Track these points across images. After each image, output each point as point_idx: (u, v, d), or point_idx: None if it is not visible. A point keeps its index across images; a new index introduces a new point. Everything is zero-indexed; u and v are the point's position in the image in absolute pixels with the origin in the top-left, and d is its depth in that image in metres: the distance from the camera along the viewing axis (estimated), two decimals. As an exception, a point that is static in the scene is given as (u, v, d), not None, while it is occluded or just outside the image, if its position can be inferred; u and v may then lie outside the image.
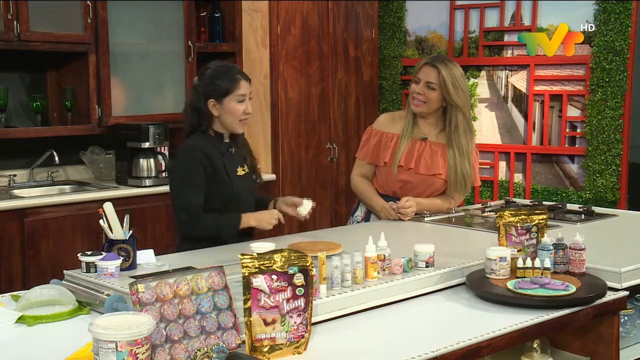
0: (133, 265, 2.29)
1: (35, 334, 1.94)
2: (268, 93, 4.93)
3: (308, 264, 1.80)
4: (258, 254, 1.77)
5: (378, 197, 3.29)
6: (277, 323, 1.76)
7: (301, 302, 1.79)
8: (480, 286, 2.22)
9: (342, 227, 3.78)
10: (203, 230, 2.76)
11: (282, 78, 4.95)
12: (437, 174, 3.24)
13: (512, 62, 5.16)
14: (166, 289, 1.68)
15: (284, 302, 1.76)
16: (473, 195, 5.24)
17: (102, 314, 1.89)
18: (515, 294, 2.14)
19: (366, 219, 3.36)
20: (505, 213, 2.41)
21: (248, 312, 1.73)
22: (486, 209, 3.34)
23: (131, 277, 1.86)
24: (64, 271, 2.29)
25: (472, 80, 5.30)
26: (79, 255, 2.27)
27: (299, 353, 1.78)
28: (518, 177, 5.18)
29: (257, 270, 1.74)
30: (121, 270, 2.21)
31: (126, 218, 2.35)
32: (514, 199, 3.85)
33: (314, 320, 1.88)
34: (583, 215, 3.25)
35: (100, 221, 2.33)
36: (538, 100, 5.07)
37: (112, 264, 2.18)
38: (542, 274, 2.24)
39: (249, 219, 2.78)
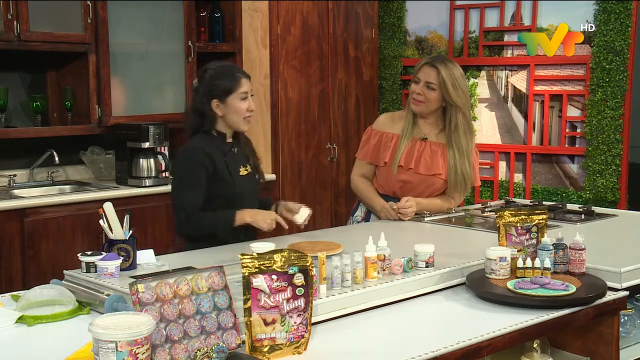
0: (133, 265, 2.29)
1: (35, 334, 1.94)
2: (268, 93, 4.93)
3: (308, 264, 1.80)
4: (258, 254, 1.77)
5: (378, 197, 3.29)
6: (277, 323, 1.76)
7: (301, 302, 1.79)
8: (480, 286, 2.22)
9: (342, 227, 3.78)
10: (199, 228, 2.77)
11: (282, 78, 4.95)
12: (437, 174, 3.24)
13: (512, 62, 5.17)
14: (166, 289, 1.68)
15: (284, 302, 1.76)
16: (473, 195, 5.24)
17: (102, 314, 1.89)
18: (515, 294, 2.14)
19: (366, 219, 3.36)
20: (505, 213, 2.41)
21: (248, 312, 1.73)
22: (486, 209, 3.34)
23: (131, 277, 1.85)
24: (64, 271, 2.30)
25: (472, 80, 5.30)
26: (79, 255, 2.27)
27: (299, 353, 1.79)
28: (518, 177, 5.18)
29: (257, 270, 1.74)
30: (121, 270, 2.21)
31: (126, 218, 2.35)
32: (514, 199, 3.85)
33: (314, 320, 1.88)
34: (583, 215, 3.25)
35: (100, 221, 2.33)
36: (538, 100, 5.07)
37: (112, 264, 2.18)
38: (542, 274, 2.24)
39: (244, 216, 2.77)
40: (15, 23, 3.93)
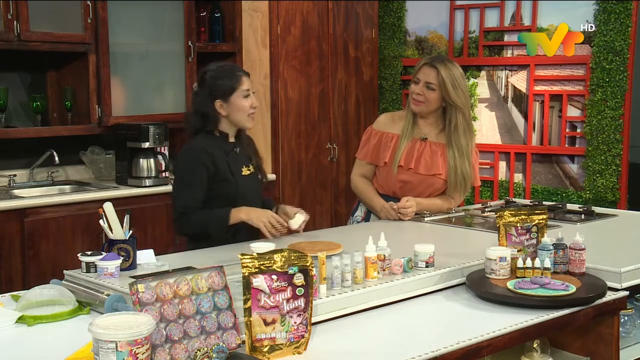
0: (133, 265, 2.29)
1: (35, 334, 1.94)
2: (268, 93, 4.93)
3: (308, 264, 1.80)
4: (258, 254, 1.77)
5: (378, 197, 3.29)
6: (277, 323, 1.76)
7: (301, 302, 1.79)
8: (480, 286, 2.22)
9: (342, 227, 3.78)
10: (193, 226, 2.77)
11: (282, 78, 4.95)
12: (437, 174, 3.24)
13: (512, 62, 5.17)
14: (166, 289, 1.68)
15: (284, 302, 1.76)
16: (473, 195, 5.24)
17: (102, 314, 1.89)
18: (515, 294, 2.14)
19: (366, 219, 3.36)
20: (505, 213, 2.41)
21: (248, 312, 1.73)
22: (486, 209, 3.34)
23: (131, 277, 1.86)
24: (64, 271, 2.29)
25: (472, 80, 5.30)
26: (79, 255, 2.27)
27: (299, 353, 1.79)
28: (518, 177, 5.18)
29: (257, 270, 1.74)
30: (121, 270, 2.21)
31: (126, 218, 2.35)
32: (514, 199, 3.85)
33: (314, 320, 1.88)
34: (583, 215, 3.25)
35: (100, 221, 2.33)
36: (538, 100, 5.07)
37: (112, 264, 2.18)
38: (542, 274, 2.24)
39: (239, 214, 2.76)
40: (15, 23, 3.93)
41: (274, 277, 1.75)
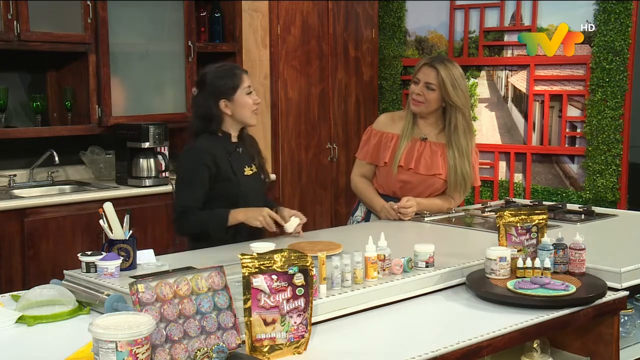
0: (133, 265, 2.29)
1: (35, 334, 1.94)
2: (268, 93, 4.93)
3: (308, 264, 1.80)
4: (258, 254, 1.77)
5: (378, 197, 3.29)
6: (277, 323, 1.76)
7: (301, 302, 1.79)
8: (480, 286, 2.22)
9: (342, 227, 3.78)
10: (191, 226, 2.78)
11: (282, 78, 4.95)
12: (437, 174, 3.24)
13: (512, 62, 5.17)
14: (166, 289, 1.68)
15: (284, 302, 1.76)
16: (473, 195, 5.24)
17: (102, 314, 1.89)
18: (515, 294, 2.14)
19: (366, 219, 3.36)
20: (505, 213, 2.41)
21: (248, 312, 1.73)
22: (486, 209, 3.34)
23: (131, 277, 1.86)
24: (64, 271, 2.30)
25: (472, 80, 5.30)
26: (79, 255, 2.27)
27: (299, 353, 1.79)
28: (518, 177, 5.18)
29: (257, 270, 1.74)
30: (121, 270, 2.21)
31: (126, 218, 2.35)
32: (514, 199, 3.85)
33: (314, 320, 1.88)
34: (583, 215, 3.25)
35: (100, 221, 2.33)
36: (538, 100, 5.07)
37: (112, 264, 2.18)
38: (542, 274, 2.24)
39: (237, 214, 2.76)
40: (15, 23, 3.93)
41: (274, 277, 1.75)
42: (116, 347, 1.49)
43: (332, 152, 5.29)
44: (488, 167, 5.25)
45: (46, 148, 4.33)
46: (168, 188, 4.28)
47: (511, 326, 1.97)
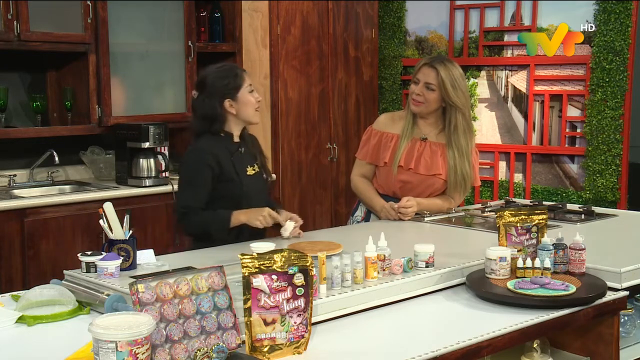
0: (133, 265, 2.29)
1: (35, 334, 1.94)
2: (268, 93, 4.93)
3: (308, 264, 1.80)
4: (258, 254, 1.77)
5: (378, 197, 3.29)
6: (277, 323, 1.76)
7: (301, 302, 1.79)
8: (480, 286, 2.22)
9: (342, 227, 3.78)
10: (194, 227, 2.78)
11: (282, 78, 4.95)
12: (437, 174, 3.24)
13: (512, 62, 5.17)
14: (166, 289, 1.68)
15: (284, 302, 1.76)
16: (473, 195, 5.24)
17: (102, 314, 1.89)
18: (515, 294, 2.14)
19: (366, 219, 3.36)
20: (505, 213, 2.41)
21: (248, 312, 1.73)
22: (486, 209, 3.34)
23: (131, 277, 1.86)
24: (64, 271, 2.30)
25: (472, 80, 5.30)
26: (79, 255, 2.27)
27: (299, 353, 1.79)
28: (518, 177, 5.18)
29: (257, 270, 1.74)
30: (121, 270, 2.21)
31: (126, 218, 2.35)
32: (514, 199, 3.85)
33: (314, 320, 1.88)
34: (583, 215, 3.25)
35: (100, 221, 2.33)
36: (538, 100, 5.07)
37: (112, 264, 2.18)
38: (542, 274, 2.24)
39: (239, 216, 2.77)
40: (15, 23, 3.93)
41: (274, 277, 1.75)
42: (116, 347, 1.49)
43: (332, 152, 5.29)
44: (488, 167, 5.25)
45: (46, 148, 4.33)
46: (168, 188, 4.28)
47: (511, 326, 1.97)
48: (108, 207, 2.33)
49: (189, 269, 1.83)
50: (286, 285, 1.76)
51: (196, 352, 1.66)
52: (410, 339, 1.90)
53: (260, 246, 2.38)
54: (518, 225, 2.40)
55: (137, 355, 1.51)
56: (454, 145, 3.23)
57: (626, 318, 2.53)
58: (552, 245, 2.33)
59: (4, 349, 1.84)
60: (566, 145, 4.97)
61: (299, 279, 1.78)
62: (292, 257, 1.79)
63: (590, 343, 2.27)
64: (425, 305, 2.17)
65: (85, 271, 2.23)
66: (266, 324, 1.75)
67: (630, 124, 4.71)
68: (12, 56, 4.20)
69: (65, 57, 4.35)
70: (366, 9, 5.47)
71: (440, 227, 3.07)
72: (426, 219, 3.18)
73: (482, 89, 5.31)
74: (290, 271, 1.77)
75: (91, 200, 3.98)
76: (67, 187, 4.38)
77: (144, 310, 1.63)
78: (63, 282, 2.24)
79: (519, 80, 5.15)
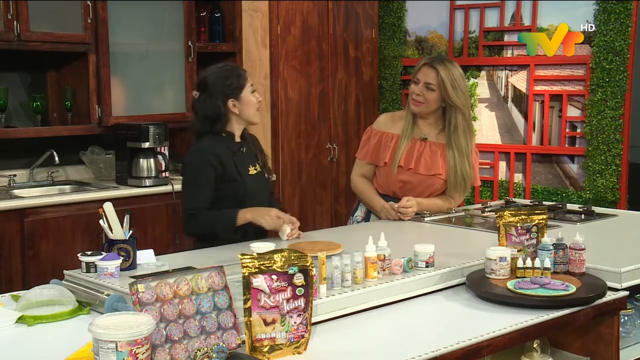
0: (133, 265, 2.29)
1: (35, 334, 1.94)
2: (268, 93, 4.93)
3: (308, 264, 1.80)
4: (258, 254, 1.77)
5: (378, 197, 3.29)
6: (277, 323, 1.76)
7: (301, 302, 1.79)
8: (480, 286, 2.22)
9: (342, 227, 3.78)
10: (200, 227, 2.78)
11: (282, 78, 4.95)
12: (437, 174, 3.24)
13: (512, 62, 5.17)
14: (166, 289, 1.68)
15: (284, 302, 1.76)
16: (473, 195, 5.24)
17: (102, 314, 1.89)
18: (515, 294, 2.14)
19: (366, 219, 3.36)
20: (505, 213, 2.41)
21: (248, 312, 1.73)
22: (486, 209, 3.34)
23: (131, 277, 1.86)
24: (64, 271, 2.30)
25: (472, 80, 5.30)
26: (79, 255, 2.27)
27: (299, 353, 1.79)
28: (518, 177, 5.18)
29: (257, 270, 1.74)
30: (121, 270, 2.21)
31: (126, 218, 2.35)
32: (514, 199, 3.85)
33: (314, 320, 1.88)
34: (583, 215, 3.25)
35: (100, 221, 2.33)
36: (538, 100, 5.07)
37: (112, 264, 2.18)
38: (542, 274, 2.24)
39: (246, 214, 2.77)
40: (15, 23, 3.93)
41: (274, 277, 1.75)
42: (116, 347, 1.49)
43: (332, 152, 5.29)
44: (488, 167, 5.25)
45: (46, 148, 4.33)
46: (168, 188, 4.28)
47: (511, 326, 1.97)
48: (108, 207, 2.33)
49: (189, 269, 1.83)
50: (286, 285, 1.76)
51: (196, 352, 1.66)
52: (410, 339, 1.90)
53: (260, 246, 2.38)
54: (518, 225, 2.40)
55: (137, 355, 1.51)
56: (454, 145, 3.23)
57: (626, 318, 2.53)
58: (552, 245, 2.33)
59: (4, 349, 1.84)
60: (566, 145, 4.97)
61: (299, 279, 1.78)
62: (292, 257, 1.79)
63: (590, 343, 2.27)
64: (425, 305, 2.17)
65: (85, 271, 2.23)
66: (266, 324, 1.75)
67: (630, 124, 4.71)
68: (12, 56, 4.20)
69: (65, 57, 4.35)
70: (366, 9, 5.47)
71: (440, 227, 3.07)
72: (426, 219, 3.18)
73: (482, 89, 5.31)
74: (290, 271, 1.77)
75: (91, 200, 3.98)
76: (67, 187, 4.38)
77: (144, 310, 1.63)
78: (63, 282, 2.24)
79: (519, 80, 5.15)
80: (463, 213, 3.29)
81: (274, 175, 4.91)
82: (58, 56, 4.35)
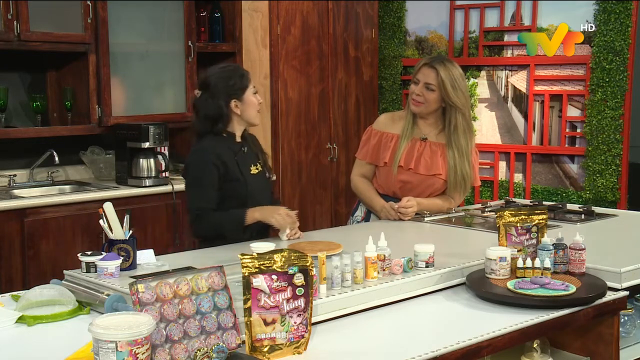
0: (133, 265, 2.29)
1: (35, 334, 1.94)
2: (268, 93, 4.93)
3: (308, 264, 1.80)
4: (258, 254, 1.77)
5: (378, 197, 3.29)
6: (277, 323, 1.76)
7: (301, 302, 1.79)
8: (480, 286, 2.22)
9: (342, 227, 3.78)
10: (209, 228, 2.77)
11: (282, 78, 4.95)
12: (437, 174, 3.24)
13: (512, 62, 5.17)
14: (166, 289, 1.68)
15: (284, 302, 1.76)
16: (473, 195, 5.24)
17: (102, 314, 1.89)
18: (515, 294, 2.14)
19: (366, 219, 3.36)
20: (505, 213, 2.41)
21: (248, 312, 1.73)
22: (486, 209, 3.34)
23: (131, 277, 1.86)
24: (64, 271, 2.30)
25: (472, 80, 5.30)
26: (79, 255, 2.27)
27: (299, 353, 1.79)
28: (518, 177, 5.18)
29: (257, 270, 1.74)
30: (121, 270, 2.21)
31: (126, 218, 2.35)
32: (514, 199, 3.85)
33: (314, 320, 1.88)
34: (583, 215, 3.25)
35: (100, 221, 2.33)
36: (538, 100, 5.07)
37: (112, 264, 2.18)
38: (542, 274, 2.24)
39: (255, 213, 2.77)
40: (15, 23, 3.93)
41: (274, 277, 1.75)
42: (116, 347, 1.49)
43: (332, 152, 5.29)
44: (488, 167, 5.25)
45: (46, 148, 4.33)
46: (168, 188, 4.28)
47: (511, 326, 1.97)
48: (108, 207, 2.33)
49: (189, 269, 1.83)
50: (286, 285, 1.76)
51: (196, 352, 1.66)
52: (410, 339, 1.90)
53: (260, 246, 2.38)
54: (518, 225, 2.40)
55: (137, 355, 1.51)
56: (454, 145, 3.23)
57: (626, 318, 2.53)
58: (552, 245, 2.33)
59: (4, 349, 1.84)
60: (566, 145, 4.97)
61: (299, 279, 1.78)
62: (292, 257, 1.79)
63: (590, 343, 2.27)
64: (425, 305, 2.17)
65: (85, 271, 2.23)
66: (266, 324, 1.75)
67: (630, 124, 4.71)
68: (12, 56, 4.20)
69: (65, 57, 4.35)
70: (366, 9, 5.47)
71: (440, 227, 3.07)
72: (426, 219, 3.18)
73: (482, 89, 5.31)
74: (290, 271, 1.77)
75: (91, 200, 3.99)
76: (67, 187, 4.38)
77: (144, 310, 1.63)
78: (63, 282, 2.24)
79: (519, 80, 5.15)
80: (463, 213, 3.29)
81: (274, 175, 4.91)
82: (58, 56, 4.35)
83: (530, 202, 3.64)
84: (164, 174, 4.36)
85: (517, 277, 2.26)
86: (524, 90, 5.13)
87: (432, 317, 2.09)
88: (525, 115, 5.12)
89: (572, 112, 4.95)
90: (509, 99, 5.22)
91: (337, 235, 2.86)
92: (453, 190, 3.29)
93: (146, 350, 1.54)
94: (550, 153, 5.04)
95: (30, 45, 4.04)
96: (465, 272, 2.34)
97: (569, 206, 3.44)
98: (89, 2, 4.21)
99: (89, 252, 2.27)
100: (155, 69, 4.62)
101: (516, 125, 5.19)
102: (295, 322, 1.78)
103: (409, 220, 3.16)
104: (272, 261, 1.76)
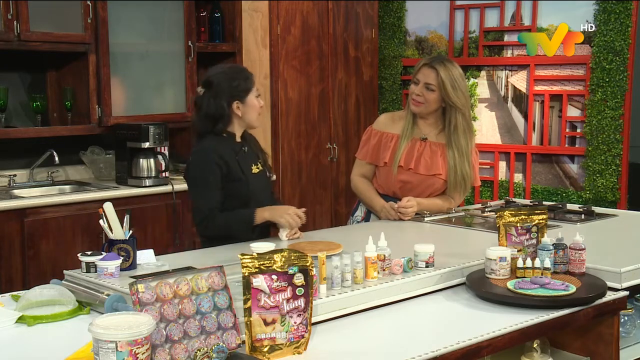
0: (133, 265, 2.29)
1: (35, 334, 1.94)
2: (268, 93, 4.93)
3: (308, 264, 1.80)
4: (258, 254, 1.77)
5: (378, 197, 3.29)
6: (277, 323, 1.76)
7: (301, 302, 1.79)
8: (480, 286, 2.22)
9: (342, 227, 3.78)
10: (217, 229, 2.77)
11: (282, 78, 4.95)
12: (437, 174, 3.24)
13: (512, 62, 5.17)
14: (166, 289, 1.68)
15: (284, 302, 1.76)
16: (473, 195, 5.24)
17: (102, 314, 1.89)
18: (515, 294, 2.14)
19: (366, 219, 3.36)
20: (505, 213, 2.41)
21: (248, 312, 1.73)
22: (486, 209, 3.34)
23: (131, 277, 1.86)
24: (64, 271, 2.30)
25: (472, 80, 5.30)
26: (79, 255, 2.27)
27: (299, 353, 1.79)
28: (518, 177, 5.18)
29: (257, 270, 1.74)
30: (121, 270, 2.21)
31: (126, 218, 2.35)
32: (514, 199, 3.85)
33: (314, 320, 1.88)
34: (583, 215, 3.25)
35: (100, 221, 2.33)
36: (538, 100, 5.07)
37: (112, 264, 2.18)
38: (542, 274, 2.24)
39: (263, 213, 2.78)
40: (15, 23, 3.93)
41: (274, 277, 1.75)
42: (116, 347, 1.49)
43: (332, 152, 5.29)
44: (488, 167, 5.25)
45: (46, 148, 4.33)
46: (168, 188, 4.28)
47: (511, 326, 1.97)
48: (108, 207, 2.33)
49: (189, 269, 1.83)
50: (286, 285, 1.76)
51: (196, 352, 1.66)
52: (410, 339, 1.90)
53: (260, 246, 2.38)
54: (518, 225, 2.40)
55: (137, 355, 1.51)
56: (454, 146, 3.23)
57: (626, 318, 2.53)
58: (552, 245, 2.33)
59: (4, 349, 1.84)
60: (566, 145, 4.97)
61: (299, 279, 1.78)
62: (292, 257, 1.79)
63: (590, 343, 2.27)
64: (425, 305, 2.17)
65: (85, 271, 2.24)
66: (266, 324, 1.75)
67: (630, 124, 4.71)
68: (12, 56, 4.20)
69: (65, 57, 4.35)
70: (366, 9, 5.47)
71: (440, 227, 3.07)
72: (426, 219, 3.18)
73: (482, 89, 5.31)
74: (290, 271, 1.77)
75: (91, 200, 3.99)
76: (67, 187, 4.38)
77: (144, 310, 1.63)
78: (63, 282, 2.24)
79: (519, 80, 5.15)
80: (463, 213, 3.29)
81: (274, 174, 4.91)
82: (58, 56, 4.35)
83: (530, 202, 3.64)
84: (164, 174, 4.36)
85: (517, 277, 2.26)
86: (524, 90, 5.13)
87: (432, 317, 2.09)
88: (525, 115, 5.12)
89: (572, 112, 4.95)
90: (509, 99, 5.22)
91: (337, 235, 2.86)
92: (453, 190, 3.29)
93: (146, 350, 1.54)
94: (550, 153, 5.04)
95: (30, 45, 4.04)
96: (465, 272, 2.34)
97: (569, 206, 3.44)
98: (89, 2, 4.21)
99: (89, 252, 2.27)
100: (155, 69, 4.62)
101: (516, 125, 5.19)
102: (295, 322, 1.78)
103: (409, 220, 3.16)
104: (272, 261, 1.76)
